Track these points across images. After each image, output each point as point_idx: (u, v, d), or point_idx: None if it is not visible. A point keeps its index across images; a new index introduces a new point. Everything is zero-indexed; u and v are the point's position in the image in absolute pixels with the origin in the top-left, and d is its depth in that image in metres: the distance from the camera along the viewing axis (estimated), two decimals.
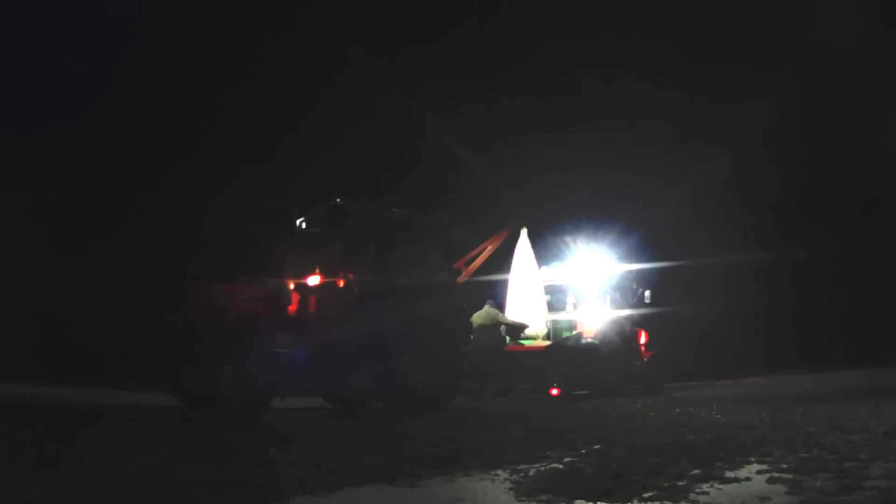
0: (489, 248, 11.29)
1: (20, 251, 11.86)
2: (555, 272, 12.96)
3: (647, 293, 12.92)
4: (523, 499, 3.71)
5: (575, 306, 12.73)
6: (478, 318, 11.07)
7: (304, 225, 8.69)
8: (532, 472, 4.39)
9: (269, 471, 4.19)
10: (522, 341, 11.94)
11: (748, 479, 4.00)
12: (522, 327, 11.73)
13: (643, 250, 13.72)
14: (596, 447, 5.44)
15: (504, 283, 12.21)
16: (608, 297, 12.77)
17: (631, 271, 13.06)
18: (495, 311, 11.46)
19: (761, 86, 19.14)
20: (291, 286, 7.77)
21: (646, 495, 3.64)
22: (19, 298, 11.52)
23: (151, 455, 4.55)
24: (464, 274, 10.68)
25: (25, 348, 10.97)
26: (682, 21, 20.85)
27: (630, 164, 18.72)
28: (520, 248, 12.12)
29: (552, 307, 12.73)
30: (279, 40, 17.13)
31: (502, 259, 12.09)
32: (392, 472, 4.27)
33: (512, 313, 11.85)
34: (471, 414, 8.64)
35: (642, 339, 13.03)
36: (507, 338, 11.73)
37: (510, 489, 3.96)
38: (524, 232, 12.11)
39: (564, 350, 11.58)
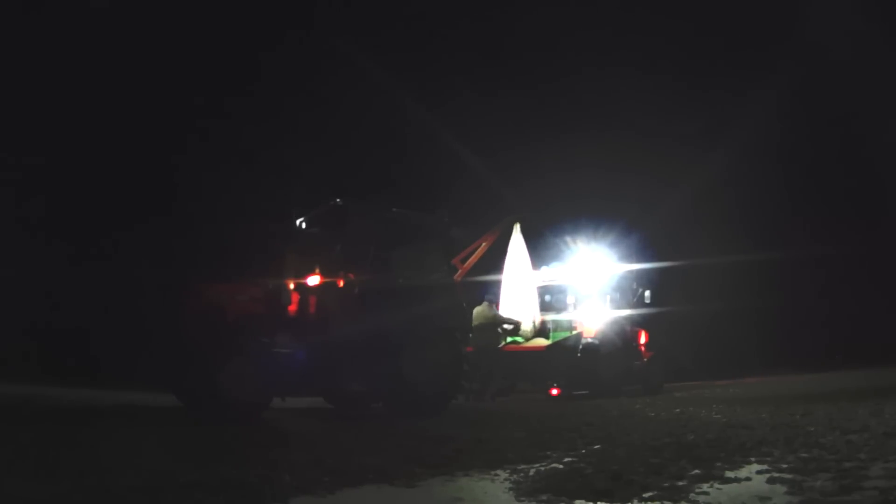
0: (483, 245, 11.29)
1: (18, 251, 11.85)
2: (554, 272, 12.95)
3: (647, 293, 12.92)
4: (523, 499, 3.71)
5: (575, 306, 12.72)
6: (475, 317, 11.07)
7: (304, 225, 8.69)
8: (532, 472, 4.39)
9: (269, 471, 4.18)
10: (517, 339, 11.93)
11: (748, 479, 3.99)
12: (517, 325, 11.71)
13: (643, 250, 13.73)
14: (596, 447, 5.44)
15: (498, 280, 12.20)
16: (608, 297, 12.76)
17: (631, 271, 13.05)
18: (493, 310, 11.46)
19: (762, 86, 19.17)
20: (291, 286, 7.75)
21: (646, 495, 3.64)
22: (18, 298, 11.51)
23: (151, 455, 4.55)
24: (459, 271, 10.67)
25: (24, 348, 10.97)
26: (682, 20, 20.87)
27: (630, 164, 18.74)
28: (513, 245, 12.10)
29: (552, 307, 12.73)
30: (279, 40, 17.15)
31: (498, 256, 12.07)
32: (392, 472, 4.26)
33: (505, 310, 11.83)
34: (471, 414, 8.63)
35: (642, 339, 13.03)
36: (508, 338, 11.73)
37: (510, 489, 3.96)
38: (517, 227, 12.08)
39: (564, 350, 11.57)
